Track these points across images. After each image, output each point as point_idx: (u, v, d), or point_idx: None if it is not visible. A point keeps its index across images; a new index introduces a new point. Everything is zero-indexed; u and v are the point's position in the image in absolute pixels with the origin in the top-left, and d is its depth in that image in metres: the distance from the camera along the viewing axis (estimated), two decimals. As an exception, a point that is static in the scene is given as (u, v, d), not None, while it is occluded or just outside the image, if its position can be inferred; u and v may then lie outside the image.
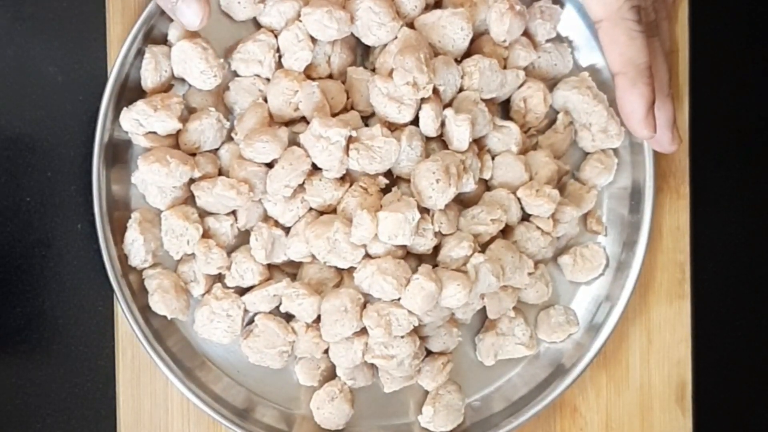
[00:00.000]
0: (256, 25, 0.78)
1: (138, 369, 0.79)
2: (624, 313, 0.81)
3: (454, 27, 0.77)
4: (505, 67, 0.79)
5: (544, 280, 0.81)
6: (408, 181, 0.76)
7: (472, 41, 0.78)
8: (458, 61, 0.78)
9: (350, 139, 0.74)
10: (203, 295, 0.77)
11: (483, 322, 0.82)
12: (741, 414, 0.92)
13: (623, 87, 0.75)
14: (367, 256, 0.75)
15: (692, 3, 0.84)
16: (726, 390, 0.90)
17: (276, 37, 0.76)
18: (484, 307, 0.80)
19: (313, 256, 0.76)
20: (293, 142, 0.75)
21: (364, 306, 0.75)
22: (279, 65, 0.77)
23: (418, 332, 0.78)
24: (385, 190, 0.76)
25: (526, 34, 0.80)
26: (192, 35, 0.75)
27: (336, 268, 0.77)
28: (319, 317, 0.76)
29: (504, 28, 0.77)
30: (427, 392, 0.81)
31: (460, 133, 0.76)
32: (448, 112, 0.76)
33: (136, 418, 0.79)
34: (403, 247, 0.76)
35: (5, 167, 0.77)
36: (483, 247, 0.78)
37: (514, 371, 0.83)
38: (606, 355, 0.84)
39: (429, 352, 0.80)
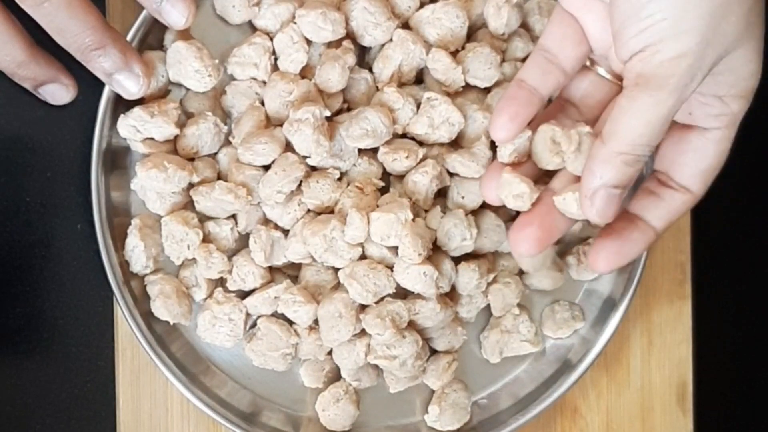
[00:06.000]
0: (252, 28, 0.77)
1: (138, 369, 0.79)
2: (626, 312, 0.81)
3: (450, 16, 0.76)
4: (503, 60, 0.79)
5: (557, 267, 0.81)
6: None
7: (470, 36, 0.78)
8: (457, 52, 0.77)
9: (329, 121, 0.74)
10: (205, 299, 0.77)
11: (488, 319, 0.82)
12: (741, 414, 0.92)
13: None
14: (364, 256, 0.75)
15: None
16: (726, 390, 0.90)
17: (271, 39, 0.76)
18: (489, 305, 0.80)
19: (312, 258, 0.75)
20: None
21: (362, 308, 0.75)
22: (275, 68, 0.76)
23: (422, 332, 0.77)
24: (383, 191, 0.76)
25: (524, 26, 0.80)
26: (187, 37, 0.75)
27: (333, 269, 0.76)
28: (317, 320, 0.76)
29: (502, 21, 0.77)
30: (433, 391, 0.81)
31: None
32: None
33: (136, 419, 0.79)
34: (395, 248, 0.75)
35: (5, 167, 0.77)
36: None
37: (520, 368, 0.83)
38: (607, 355, 0.84)
39: (434, 351, 0.80)
